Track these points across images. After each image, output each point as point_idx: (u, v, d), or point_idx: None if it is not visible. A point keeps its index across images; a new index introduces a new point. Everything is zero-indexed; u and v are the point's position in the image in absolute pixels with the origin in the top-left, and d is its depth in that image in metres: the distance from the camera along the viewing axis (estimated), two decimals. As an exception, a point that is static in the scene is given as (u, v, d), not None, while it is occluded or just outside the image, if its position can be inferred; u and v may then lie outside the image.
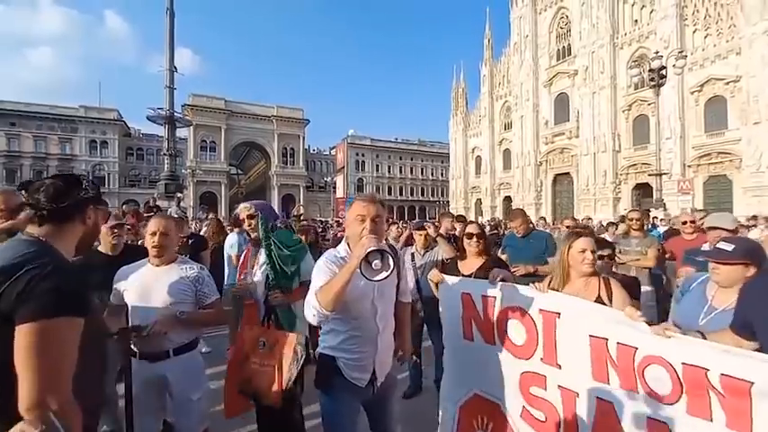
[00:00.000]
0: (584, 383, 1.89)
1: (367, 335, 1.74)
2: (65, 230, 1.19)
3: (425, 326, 3.80)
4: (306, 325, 2.28)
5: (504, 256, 4.36)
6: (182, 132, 49.07)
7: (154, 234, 2.08)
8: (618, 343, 1.77)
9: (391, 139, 66.11)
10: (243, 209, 2.65)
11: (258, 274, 2.56)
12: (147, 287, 2.04)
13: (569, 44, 35.15)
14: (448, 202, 52.47)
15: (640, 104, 29.68)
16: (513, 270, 3.47)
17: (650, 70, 14.24)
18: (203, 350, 4.82)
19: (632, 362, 1.71)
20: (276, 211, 2.69)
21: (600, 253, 2.68)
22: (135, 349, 2.03)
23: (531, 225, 4.40)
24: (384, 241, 1.71)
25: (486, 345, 2.29)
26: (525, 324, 2.11)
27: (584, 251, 2.15)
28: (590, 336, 1.87)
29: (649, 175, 22.42)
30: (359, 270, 1.42)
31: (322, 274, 1.66)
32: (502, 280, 2.23)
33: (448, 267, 3.00)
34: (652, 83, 14.17)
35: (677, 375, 1.58)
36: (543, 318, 2.06)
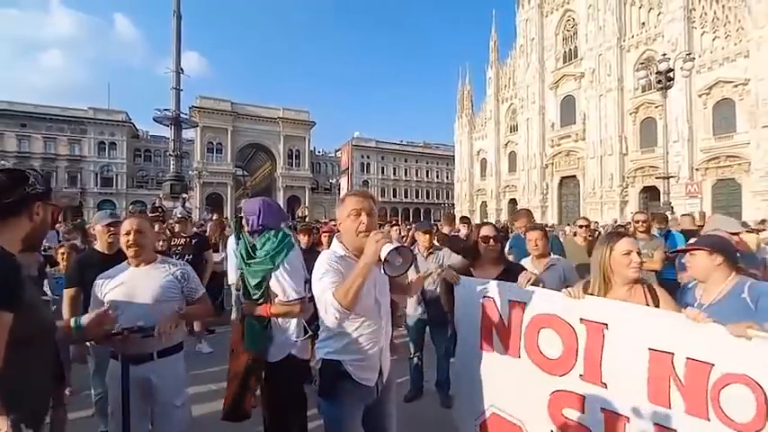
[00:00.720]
0: (638, 406, 1.60)
1: (374, 332, 1.72)
2: (8, 226, 1.15)
3: (427, 328, 3.77)
4: (279, 349, 2.14)
5: (510, 258, 4.34)
6: (189, 134, 49.49)
7: (128, 233, 2.02)
8: (688, 359, 1.51)
9: (396, 142, 66.19)
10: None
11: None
12: (131, 289, 1.98)
13: (576, 46, 35.03)
14: (453, 204, 52.35)
15: (647, 107, 29.46)
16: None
17: (658, 72, 14.12)
18: (205, 351, 4.84)
19: (705, 382, 1.46)
20: (279, 210, 2.40)
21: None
22: (112, 350, 1.95)
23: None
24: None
25: (508, 357, 2.04)
26: (562, 335, 1.84)
27: (628, 253, 1.88)
28: (650, 350, 1.60)
29: (657, 178, 22.21)
30: (381, 269, 1.46)
31: (328, 275, 1.59)
32: (533, 284, 2.02)
33: None
34: (659, 85, 14.05)
35: (765, 398, 1.33)
36: (587, 329, 1.78)
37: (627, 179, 30.93)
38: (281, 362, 2.17)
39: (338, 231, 1.88)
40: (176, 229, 4.89)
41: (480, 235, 2.47)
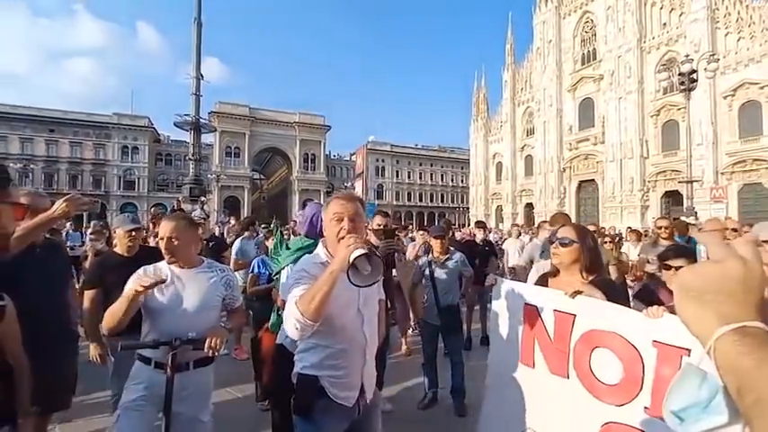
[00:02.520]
0: None
1: (354, 347, 1.55)
2: None
3: (441, 334, 3.72)
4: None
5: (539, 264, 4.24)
6: (208, 138, 50.54)
7: (163, 239, 1.93)
8: None
9: (411, 145, 66.19)
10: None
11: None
12: (176, 292, 1.88)
13: (594, 48, 34.47)
14: (468, 208, 51.96)
15: (669, 109, 28.73)
16: None
17: (680, 74, 13.76)
18: (222, 353, 4.89)
19: None
20: (312, 218, 2.43)
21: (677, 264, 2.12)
22: (143, 355, 1.86)
23: None
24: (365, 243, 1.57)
25: (553, 377, 1.78)
26: (623, 359, 1.56)
27: None
28: None
29: (680, 182, 21.64)
30: (346, 277, 1.26)
31: (301, 281, 1.45)
32: (578, 293, 1.74)
33: None
34: (682, 87, 13.68)
35: None
36: (659, 353, 1.48)
37: (648, 183, 30.16)
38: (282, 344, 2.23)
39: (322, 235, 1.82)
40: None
41: (557, 236, 2.03)
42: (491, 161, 46.88)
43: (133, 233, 2.72)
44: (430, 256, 3.84)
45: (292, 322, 1.33)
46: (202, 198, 8.34)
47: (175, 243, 1.90)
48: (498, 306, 2.12)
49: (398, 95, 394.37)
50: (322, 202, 2.04)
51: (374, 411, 1.75)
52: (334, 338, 1.52)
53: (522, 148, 42.29)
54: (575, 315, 1.73)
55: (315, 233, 2.33)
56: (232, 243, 5.50)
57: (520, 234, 8.90)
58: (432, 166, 65.48)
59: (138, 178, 50.33)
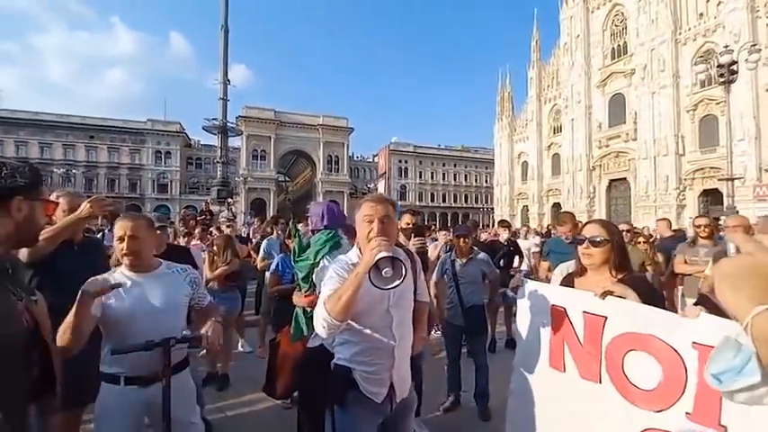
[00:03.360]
0: None
1: (383, 346, 1.58)
2: None
3: (464, 335, 3.66)
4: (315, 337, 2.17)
5: (545, 264, 4.10)
6: (236, 142, 52.09)
7: (121, 239, 1.75)
8: None
9: (434, 146, 65.81)
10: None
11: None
12: (138, 298, 1.72)
13: (625, 42, 33.22)
14: (492, 208, 51.16)
15: (707, 104, 27.30)
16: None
17: (719, 66, 13.05)
18: (246, 350, 4.96)
19: None
20: (341, 213, 2.55)
21: None
22: (107, 372, 1.70)
23: None
24: (395, 245, 1.59)
25: (585, 382, 1.70)
26: (662, 361, 1.46)
27: None
28: None
29: (719, 180, 20.51)
30: (368, 278, 1.30)
31: (331, 282, 1.51)
32: (609, 294, 1.64)
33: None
34: (721, 80, 12.98)
35: None
36: (700, 355, 1.38)
37: (684, 181, 28.75)
38: (316, 347, 2.20)
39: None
40: (226, 232, 5.18)
41: (587, 237, 1.87)
42: (516, 160, 45.97)
43: (157, 232, 2.83)
44: (452, 255, 3.77)
45: (320, 321, 1.39)
46: (229, 200, 8.60)
47: (137, 241, 1.75)
48: (524, 308, 2.05)
49: (421, 95, 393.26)
50: (345, 203, 2.03)
51: (406, 413, 1.76)
52: (362, 336, 1.56)
53: (549, 146, 41.25)
54: (605, 317, 1.63)
55: (334, 221, 2.44)
56: (257, 244, 5.65)
57: (528, 234, 8.82)
58: (455, 166, 64.87)
59: (171, 181, 52.38)
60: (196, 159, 56.90)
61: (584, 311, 1.71)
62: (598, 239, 1.82)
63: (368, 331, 1.56)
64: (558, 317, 1.83)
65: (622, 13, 33.67)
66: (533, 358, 1.94)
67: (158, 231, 2.78)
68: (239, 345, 5.03)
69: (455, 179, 64.61)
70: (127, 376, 1.66)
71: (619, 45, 33.98)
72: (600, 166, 35.13)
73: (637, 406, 1.52)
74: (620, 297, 1.62)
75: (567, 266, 2.71)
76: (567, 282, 2.04)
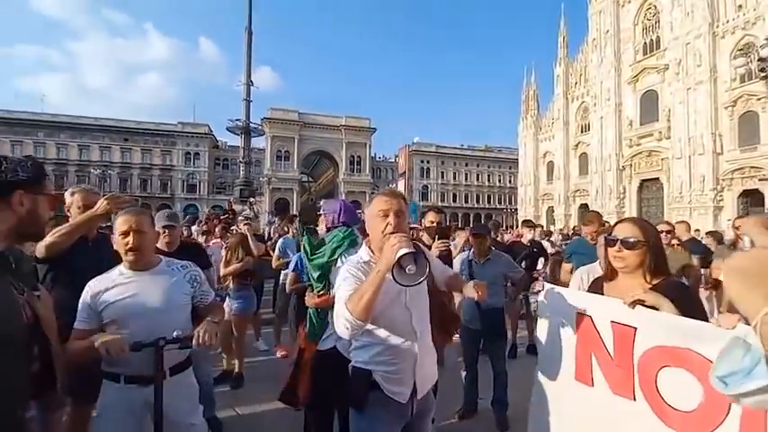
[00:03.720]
0: None
1: (404, 343, 1.54)
2: None
3: (482, 341, 3.50)
4: (334, 339, 2.13)
5: (567, 266, 3.85)
6: (260, 143, 53.28)
7: (126, 234, 1.68)
8: None
9: (456, 146, 65.16)
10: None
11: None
12: (138, 298, 1.67)
13: (658, 37, 31.85)
14: (516, 209, 50.14)
15: (747, 99, 25.82)
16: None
17: (760, 59, 12.33)
18: (262, 348, 4.97)
19: None
20: (355, 210, 2.50)
21: None
22: (107, 370, 1.65)
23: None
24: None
25: (617, 398, 1.54)
26: (703, 380, 1.30)
27: None
28: None
29: (761, 180, 19.36)
30: (391, 276, 1.29)
31: (347, 282, 1.47)
32: (639, 303, 1.48)
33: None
34: (762, 74, 12.26)
35: None
36: None
37: (722, 182, 27.27)
38: (329, 350, 2.18)
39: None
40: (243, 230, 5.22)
41: (613, 237, 1.69)
42: (541, 160, 44.89)
43: (166, 230, 2.83)
44: (470, 254, 3.61)
45: (342, 322, 1.36)
46: (251, 199, 8.79)
47: (142, 235, 1.69)
48: (546, 314, 1.91)
49: (444, 94, 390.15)
50: (367, 203, 1.94)
51: (427, 414, 1.72)
52: (382, 335, 1.53)
53: (577, 145, 40.05)
54: (635, 328, 1.48)
55: (352, 218, 2.42)
56: (275, 242, 5.73)
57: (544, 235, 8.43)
58: (478, 166, 64.03)
59: (200, 182, 54.12)
60: (223, 160, 58.55)
61: (613, 321, 1.56)
62: (631, 240, 1.62)
63: (386, 332, 1.53)
64: (584, 326, 1.68)
65: (655, 7, 32.32)
66: (557, 370, 1.80)
67: (166, 230, 2.82)
68: (255, 343, 5.03)
69: (478, 179, 63.76)
70: (127, 375, 1.61)
71: (651, 40, 32.63)
72: (630, 165, 33.82)
73: (674, 429, 1.35)
74: (652, 308, 1.46)
75: (588, 271, 2.54)
76: (596, 286, 1.85)
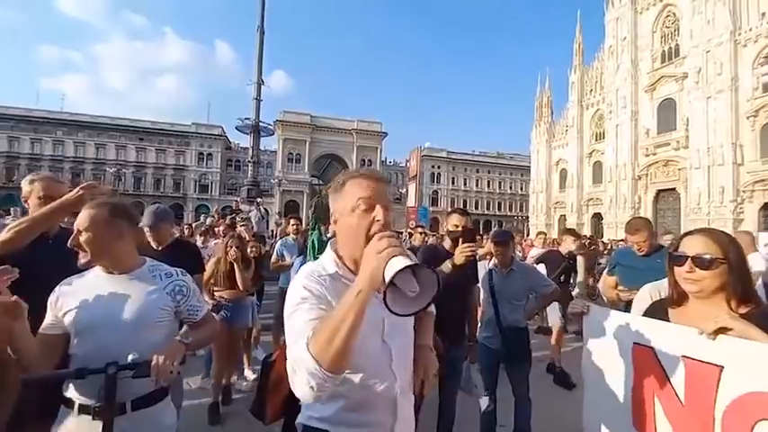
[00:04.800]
0: None
1: (380, 392, 1.06)
2: None
3: (502, 363, 3.12)
4: None
5: (610, 280, 3.30)
6: (272, 145, 53.71)
7: (79, 233, 1.40)
8: None
9: (468, 151, 64.82)
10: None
11: None
12: (102, 306, 1.36)
13: (677, 44, 31.27)
14: (527, 217, 49.50)
15: (771, 109, 25.09)
16: (629, 296, 2.70)
17: (786, 67, 11.91)
18: (260, 357, 4.47)
19: None
20: None
21: None
22: (64, 394, 1.33)
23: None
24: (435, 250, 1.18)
25: None
26: None
27: None
28: None
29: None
30: (380, 301, 0.80)
31: (305, 308, 0.96)
32: (724, 332, 1.15)
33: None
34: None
35: None
36: None
37: (742, 193, 26.49)
38: None
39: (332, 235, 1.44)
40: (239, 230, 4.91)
41: (691, 255, 1.30)
42: (554, 168, 44.32)
43: (149, 230, 2.64)
44: (491, 263, 3.24)
45: (303, 377, 0.86)
46: (258, 199, 8.70)
47: (85, 238, 1.38)
48: (593, 343, 1.60)
49: (456, 101, 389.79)
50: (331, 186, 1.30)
51: None
52: (350, 384, 1.03)
53: (591, 153, 39.44)
54: (720, 367, 1.14)
55: None
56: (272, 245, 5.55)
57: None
58: (489, 172, 63.56)
59: (212, 182, 54.68)
60: (235, 161, 59.14)
61: (687, 356, 1.23)
62: (707, 258, 1.26)
63: (356, 376, 1.03)
64: (644, 360, 1.34)
65: (674, 14, 31.77)
66: (608, 414, 1.48)
67: (149, 229, 2.59)
68: (253, 353, 4.64)
69: (489, 186, 63.29)
70: (81, 404, 1.30)
71: (670, 47, 32.05)
72: (646, 175, 33.12)
73: None
74: (742, 338, 1.12)
75: (659, 289, 1.96)
76: (655, 312, 1.46)
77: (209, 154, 55.11)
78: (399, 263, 0.80)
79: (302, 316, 0.95)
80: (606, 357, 1.54)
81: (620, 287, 3.00)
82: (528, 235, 26.46)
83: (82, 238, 1.39)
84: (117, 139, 51.81)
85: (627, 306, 2.93)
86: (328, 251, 1.14)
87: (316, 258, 1.99)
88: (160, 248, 2.62)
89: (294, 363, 0.89)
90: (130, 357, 1.25)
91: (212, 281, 3.67)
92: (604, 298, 3.69)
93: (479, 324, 3.15)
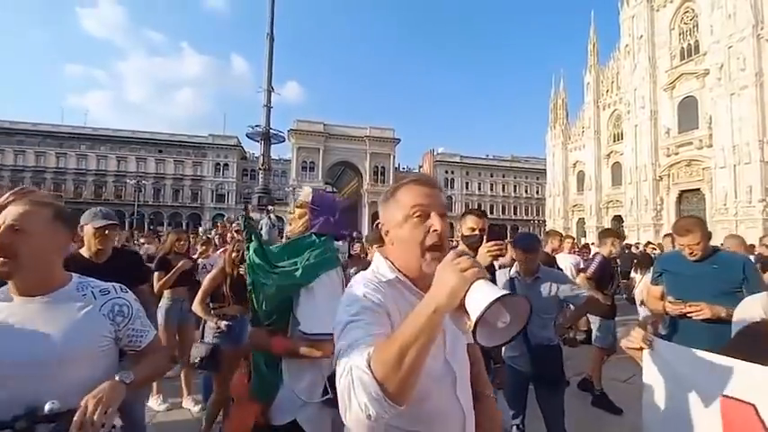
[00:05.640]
0: None
1: (446, 423, 0.92)
2: None
3: (531, 384, 2.79)
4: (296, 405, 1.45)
5: (656, 290, 2.89)
6: (287, 154, 54.31)
7: (10, 231, 1.07)
8: None
9: (482, 156, 64.28)
10: (303, 194, 1.83)
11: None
12: (20, 338, 1.05)
13: (696, 41, 30.38)
14: (544, 221, 48.60)
15: (801, 104, 24.02)
16: (680, 309, 2.39)
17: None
18: None
19: None
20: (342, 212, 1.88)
21: None
22: None
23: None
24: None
25: None
26: None
27: None
28: None
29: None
30: (466, 330, 0.72)
31: (367, 319, 0.84)
32: None
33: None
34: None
35: None
36: None
37: (772, 192, 25.36)
38: (285, 426, 1.46)
39: (380, 245, 1.28)
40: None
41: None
42: (571, 170, 43.46)
43: (107, 230, 2.23)
44: (513, 270, 2.85)
45: (363, 399, 0.71)
46: (270, 207, 8.68)
47: (19, 236, 1.06)
48: (658, 389, 1.28)
49: (468, 104, 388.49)
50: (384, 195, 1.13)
51: None
52: (409, 417, 0.84)
53: (609, 155, 38.52)
54: None
55: (346, 226, 1.81)
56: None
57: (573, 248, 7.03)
58: (504, 176, 62.84)
59: (228, 192, 55.61)
60: (251, 171, 60.04)
61: None
62: None
63: (421, 404, 0.87)
64: (739, 421, 1.03)
65: (692, 10, 30.93)
66: None
67: (107, 231, 2.19)
68: None
69: (504, 190, 62.52)
70: None
71: (689, 44, 31.16)
72: (668, 175, 32.09)
73: None
74: None
75: (750, 309, 1.53)
76: (748, 344, 1.12)
77: (226, 164, 56.12)
78: (489, 291, 0.70)
79: (362, 330, 0.82)
80: (678, 411, 1.20)
81: (669, 298, 2.59)
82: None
83: (7, 237, 1.04)
84: (137, 152, 53.27)
85: (668, 321, 2.65)
86: (381, 260, 1.02)
87: (269, 273, 1.60)
88: (101, 260, 2.21)
89: (348, 386, 0.74)
90: (48, 407, 0.97)
91: (208, 298, 3.21)
92: (640, 310, 3.33)
93: None
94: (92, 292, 1.21)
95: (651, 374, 1.32)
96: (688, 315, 2.37)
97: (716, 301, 2.29)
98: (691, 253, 2.56)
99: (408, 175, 1.03)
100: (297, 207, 1.79)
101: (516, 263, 2.87)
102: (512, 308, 0.73)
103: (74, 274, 1.25)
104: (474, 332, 0.69)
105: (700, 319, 2.31)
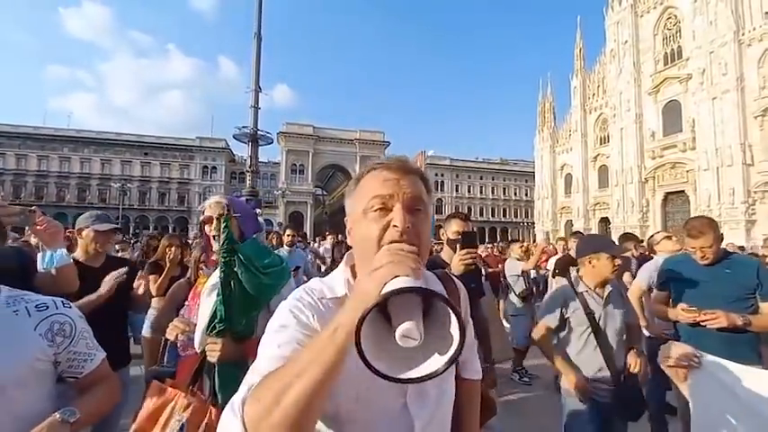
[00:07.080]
0: None
1: None
2: None
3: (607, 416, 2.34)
4: None
5: (662, 295, 2.69)
6: (276, 157, 53.86)
7: None
8: None
9: (471, 159, 64.73)
10: (214, 205, 1.74)
11: (205, 307, 1.52)
12: None
13: (679, 46, 31.09)
14: (533, 223, 49.06)
15: (780, 108, 24.68)
16: (695, 317, 2.19)
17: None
18: None
19: None
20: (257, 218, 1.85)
21: None
22: None
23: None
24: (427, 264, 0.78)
25: None
26: None
27: None
28: None
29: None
30: (358, 353, 0.48)
31: (279, 339, 0.67)
32: None
33: None
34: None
35: None
36: None
37: (754, 194, 25.96)
38: None
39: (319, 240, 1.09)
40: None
41: None
42: (559, 173, 43.99)
43: (107, 236, 2.19)
44: (581, 285, 2.33)
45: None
46: (258, 210, 8.48)
47: None
48: (710, 412, 1.14)
49: (458, 108, 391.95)
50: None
51: None
52: None
53: (596, 157, 39.09)
54: None
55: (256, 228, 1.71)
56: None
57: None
58: (493, 179, 63.34)
59: (216, 195, 54.90)
60: (239, 174, 59.35)
61: None
62: None
63: None
64: None
65: (675, 16, 31.66)
66: None
67: (96, 233, 2.09)
68: None
69: (493, 192, 63.00)
70: None
71: (672, 49, 31.87)
72: (653, 178, 32.67)
73: None
74: None
75: None
76: None
77: (214, 167, 55.35)
78: (401, 284, 0.49)
79: (267, 352, 0.64)
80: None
81: (681, 305, 2.35)
82: (534, 241, 26.05)
83: None
84: (122, 155, 52.23)
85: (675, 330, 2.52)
86: (342, 267, 0.81)
87: (257, 272, 1.49)
88: (95, 265, 2.10)
89: (230, 409, 0.58)
90: None
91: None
92: (643, 318, 3.16)
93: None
94: (25, 307, 1.03)
95: (702, 396, 1.13)
96: (702, 323, 2.18)
97: (730, 307, 2.16)
98: (703, 257, 2.38)
99: (382, 160, 0.80)
100: (218, 220, 1.65)
101: (580, 269, 2.40)
102: (433, 315, 0.51)
103: (3, 286, 1.05)
104: (358, 348, 0.47)
105: (714, 327, 2.14)
